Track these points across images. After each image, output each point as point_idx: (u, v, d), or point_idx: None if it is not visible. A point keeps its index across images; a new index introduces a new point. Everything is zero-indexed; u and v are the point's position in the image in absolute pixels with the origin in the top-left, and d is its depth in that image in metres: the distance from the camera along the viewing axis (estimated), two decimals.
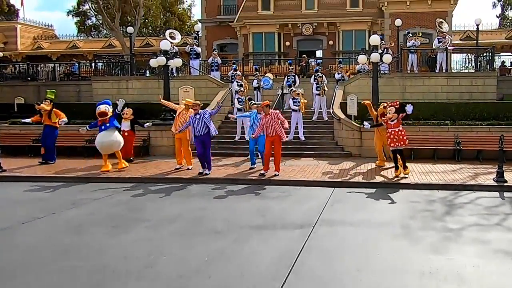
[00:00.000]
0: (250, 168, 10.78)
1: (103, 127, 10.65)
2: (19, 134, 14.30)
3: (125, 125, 11.89)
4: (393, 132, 9.87)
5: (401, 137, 9.82)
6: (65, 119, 12.19)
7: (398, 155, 9.89)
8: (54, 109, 12.20)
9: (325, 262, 5.09)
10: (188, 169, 10.84)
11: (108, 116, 10.70)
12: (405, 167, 9.84)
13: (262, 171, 10.14)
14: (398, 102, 10.06)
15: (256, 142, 10.65)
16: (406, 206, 7.77)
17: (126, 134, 11.74)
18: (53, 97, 12.46)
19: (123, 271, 4.80)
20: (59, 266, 4.94)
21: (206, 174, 10.22)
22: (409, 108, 9.72)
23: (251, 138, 10.63)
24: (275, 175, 10.04)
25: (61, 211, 7.41)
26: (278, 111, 10.35)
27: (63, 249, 5.53)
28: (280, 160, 10.39)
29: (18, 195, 8.75)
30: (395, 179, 9.70)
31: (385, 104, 10.22)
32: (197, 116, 10.05)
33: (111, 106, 11.02)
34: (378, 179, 9.74)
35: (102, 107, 10.70)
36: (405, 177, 9.73)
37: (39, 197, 8.57)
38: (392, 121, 9.89)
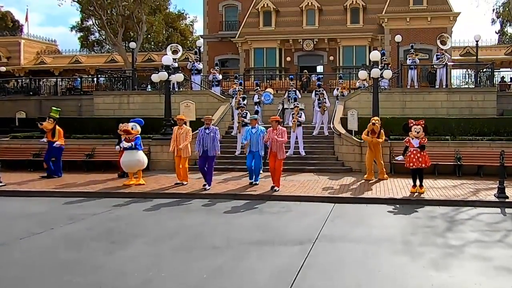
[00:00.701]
0: (251, 183, 10.72)
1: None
2: (19, 149, 14.30)
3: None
4: (414, 152, 9.64)
5: (422, 158, 9.59)
6: (61, 143, 12.22)
7: (417, 174, 9.75)
8: (58, 128, 12.18)
9: (325, 278, 5.03)
10: (183, 184, 10.78)
11: (133, 135, 10.88)
12: (421, 186, 9.74)
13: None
14: (423, 122, 9.83)
15: (253, 158, 10.56)
16: (407, 222, 7.72)
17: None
18: (57, 116, 12.38)
19: (121, 287, 4.75)
20: (57, 283, 4.89)
21: (206, 189, 10.20)
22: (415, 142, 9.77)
23: (246, 150, 10.67)
24: (275, 190, 10.04)
25: (59, 226, 7.37)
26: (285, 129, 10.61)
27: (61, 265, 5.48)
28: (280, 175, 10.43)
29: (17, 210, 8.71)
30: (386, 194, 9.66)
31: (412, 122, 9.88)
32: (207, 131, 10.25)
33: (138, 125, 11.19)
34: (379, 194, 9.69)
35: (130, 125, 11.03)
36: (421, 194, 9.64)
37: (38, 212, 8.53)
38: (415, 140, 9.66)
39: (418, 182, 9.77)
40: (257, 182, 10.74)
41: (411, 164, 9.67)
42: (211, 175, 10.46)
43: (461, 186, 10.48)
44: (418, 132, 9.63)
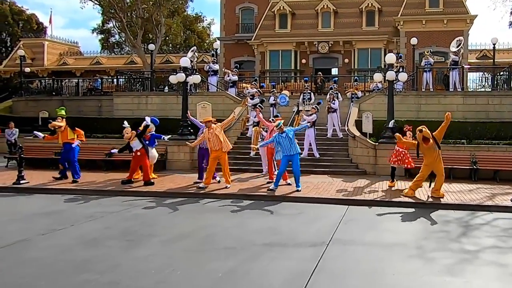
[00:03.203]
0: (271, 189, 10.22)
1: (147, 142, 11.55)
2: (42, 147, 14.72)
3: (135, 145, 10.96)
4: (403, 152, 10.57)
5: (406, 158, 10.57)
6: (79, 142, 11.77)
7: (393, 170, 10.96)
8: (76, 128, 11.78)
9: (338, 283, 5.02)
10: (226, 187, 10.49)
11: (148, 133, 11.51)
12: (392, 181, 10.91)
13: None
14: (410, 127, 10.76)
15: (290, 161, 10.16)
16: (421, 226, 7.69)
17: (138, 153, 10.95)
18: (64, 113, 12.02)
19: (136, 287, 4.83)
20: (73, 281, 4.98)
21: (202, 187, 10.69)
22: None
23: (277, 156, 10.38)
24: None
25: (79, 223, 7.58)
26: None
27: (79, 262, 5.61)
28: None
29: (39, 207, 8.98)
30: (405, 198, 9.64)
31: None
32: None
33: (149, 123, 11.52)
34: (393, 198, 9.66)
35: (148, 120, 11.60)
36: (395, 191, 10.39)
37: (58, 209, 8.78)
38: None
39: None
40: (299, 189, 10.16)
41: (392, 162, 10.76)
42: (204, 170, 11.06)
43: (476, 191, 10.38)
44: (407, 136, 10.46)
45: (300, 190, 10.18)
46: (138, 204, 9.28)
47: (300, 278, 5.08)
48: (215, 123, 10.63)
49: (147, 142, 11.30)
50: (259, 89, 16.85)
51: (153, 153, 11.75)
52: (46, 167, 13.90)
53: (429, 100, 16.33)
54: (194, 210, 8.85)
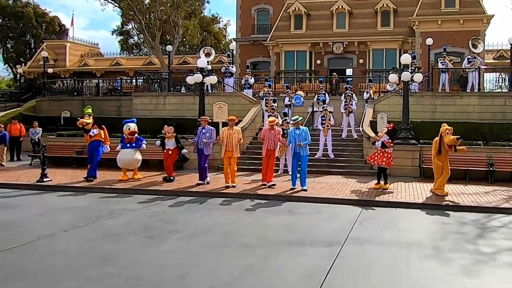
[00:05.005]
0: (291, 189, 10.41)
1: (128, 145, 11.87)
2: (64, 146, 15.23)
3: (170, 143, 11.70)
4: (380, 151, 10.63)
5: (385, 157, 10.54)
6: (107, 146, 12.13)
7: (382, 172, 10.76)
8: (104, 129, 12.12)
9: (354, 281, 5.07)
10: (233, 186, 10.75)
11: (135, 135, 11.85)
12: (386, 183, 10.71)
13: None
14: (391, 125, 10.96)
15: (299, 160, 10.45)
16: (437, 227, 7.69)
17: (170, 152, 11.68)
18: (91, 111, 12.31)
19: (157, 281, 4.98)
20: (97, 274, 5.16)
21: (207, 183, 11.18)
22: None
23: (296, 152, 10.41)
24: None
25: (101, 220, 7.81)
26: (281, 130, 11.28)
27: (101, 257, 5.80)
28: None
29: (61, 204, 9.27)
30: (418, 199, 9.67)
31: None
32: (203, 131, 11.19)
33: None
34: (408, 199, 9.68)
35: (132, 126, 11.86)
36: (390, 192, 10.38)
37: (80, 206, 9.04)
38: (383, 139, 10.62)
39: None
40: (306, 188, 10.32)
41: (372, 162, 10.85)
42: (206, 170, 11.23)
43: (493, 193, 10.31)
44: (380, 133, 10.82)
45: (306, 190, 10.28)
46: (156, 202, 9.50)
47: (317, 276, 5.15)
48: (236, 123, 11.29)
49: (133, 144, 11.88)
50: (270, 89, 17.05)
51: (137, 156, 12.06)
52: (68, 166, 14.34)
53: (444, 101, 16.20)
54: (211, 208, 9.02)
